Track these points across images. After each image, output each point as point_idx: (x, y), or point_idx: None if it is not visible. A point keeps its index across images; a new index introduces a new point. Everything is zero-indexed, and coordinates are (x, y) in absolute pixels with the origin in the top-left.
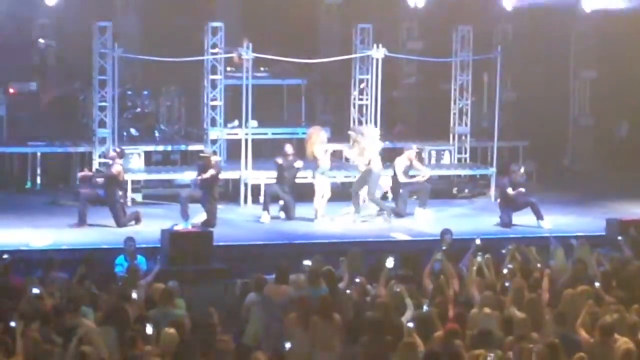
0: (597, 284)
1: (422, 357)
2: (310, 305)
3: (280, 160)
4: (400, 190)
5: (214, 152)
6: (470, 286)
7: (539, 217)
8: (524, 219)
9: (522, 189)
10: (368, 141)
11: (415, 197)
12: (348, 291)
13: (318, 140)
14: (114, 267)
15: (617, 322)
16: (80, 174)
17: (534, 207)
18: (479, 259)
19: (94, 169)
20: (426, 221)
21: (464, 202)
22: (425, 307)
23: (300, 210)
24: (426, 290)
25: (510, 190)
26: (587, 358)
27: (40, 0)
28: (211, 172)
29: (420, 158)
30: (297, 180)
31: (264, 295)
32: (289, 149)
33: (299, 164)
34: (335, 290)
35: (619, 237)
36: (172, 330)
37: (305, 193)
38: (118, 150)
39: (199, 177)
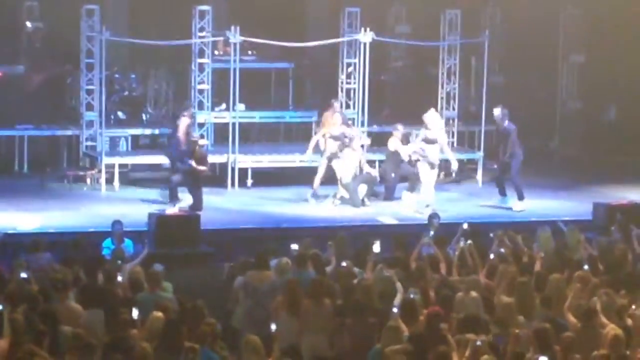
0: (585, 268)
1: (407, 339)
2: (298, 289)
3: None
4: (393, 175)
5: (202, 136)
6: (455, 270)
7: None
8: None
9: None
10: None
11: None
12: (335, 275)
13: (328, 123)
14: (101, 250)
15: (605, 306)
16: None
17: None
18: (462, 243)
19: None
20: (413, 205)
21: (451, 186)
22: (412, 294)
23: (286, 193)
24: (412, 274)
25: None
26: (574, 339)
27: None
28: (202, 168)
29: (407, 140)
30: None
31: (246, 280)
32: None
33: None
34: (322, 274)
35: (612, 228)
36: (159, 314)
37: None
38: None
39: (191, 164)
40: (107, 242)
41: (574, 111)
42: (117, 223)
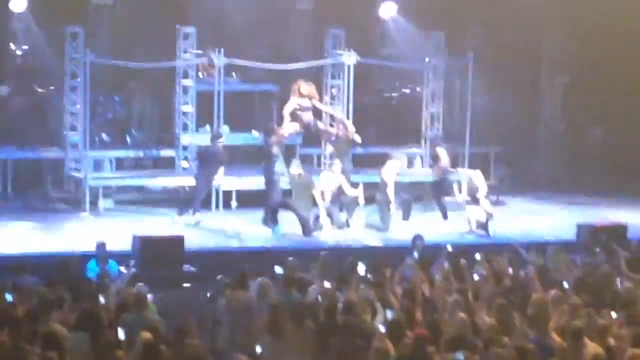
0: (566, 287)
1: None
2: (282, 312)
3: None
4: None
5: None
6: (440, 292)
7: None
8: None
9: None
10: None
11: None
12: (319, 297)
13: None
14: (84, 272)
15: (586, 326)
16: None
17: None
18: (446, 265)
19: None
20: (399, 227)
21: (436, 207)
22: (389, 313)
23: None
24: (395, 296)
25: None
26: None
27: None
28: None
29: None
30: None
31: (227, 301)
32: None
33: None
34: (305, 295)
35: (597, 249)
36: (147, 335)
37: None
38: None
39: None
40: (92, 264)
41: (558, 132)
42: (101, 245)
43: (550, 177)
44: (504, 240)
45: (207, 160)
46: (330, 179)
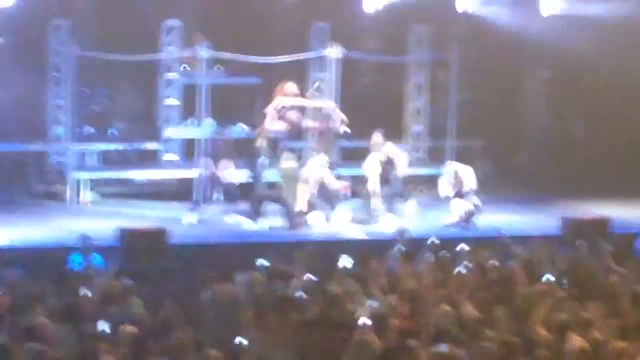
0: (551, 280)
1: (378, 354)
2: (266, 304)
3: None
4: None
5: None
6: (424, 284)
7: None
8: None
9: None
10: None
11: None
12: (303, 290)
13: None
14: (68, 265)
15: (571, 320)
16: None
17: None
18: (432, 257)
19: None
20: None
21: (420, 201)
22: (375, 304)
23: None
24: (381, 288)
25: None
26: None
27: None
28: None
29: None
30: None
31: (212, 294)
32: None
33: None
34: (289, 288)
35: (578, 242)
36: (130, 328)
37: None
38: None
39: None
40: (76, 257)
41: (542, 126)
42: (84, 237)
43: (534, 170)
44: (489, 233)
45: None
46: (315, 166)
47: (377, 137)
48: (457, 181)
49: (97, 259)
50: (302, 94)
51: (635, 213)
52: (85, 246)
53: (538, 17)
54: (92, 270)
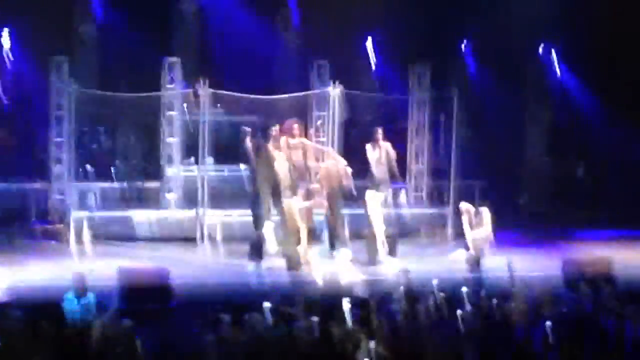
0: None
1: None
2: (267, 345)
3: None
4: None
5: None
6: (424, 326)
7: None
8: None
9: None
10: None
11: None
12: (304, 331)
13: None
14: (63, 305)
15: None
16: None
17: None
18: (431, 300)
19: None
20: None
21: (421, 242)
22: (374, 347)
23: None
24: (381, 331)
25: None
26: None
27: None
28: None
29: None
30: None
31: (220, 336)
32: None
33: None
34: (292, 330)
35: (580, 284)
36: None
37: None
38: None
39: None
40: (69, 296)
41: (542, 166)
42: (78, 276)
43: (534, 211)
44: (492, 273)
45: None
46: (297, 202)
47: (379, 132)
48: (478, 221)
49: (90, 298)
50: (306, 133)
51: (638, 255)
52: (79, 285)
53: None
54: (92, 311)
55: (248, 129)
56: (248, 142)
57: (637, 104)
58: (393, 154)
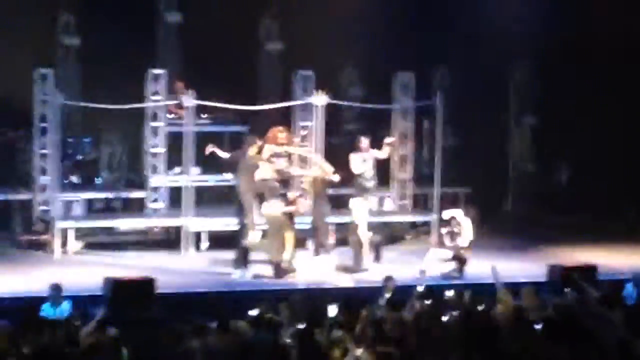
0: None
1: None
2: (253, 353)
3: None
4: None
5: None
6: (412, 332)
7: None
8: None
9: None
10: None
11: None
12: (289, 338)
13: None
14: (39, 315)
15: None
16: None
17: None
18: (417, 306)
19: None
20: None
21: (406, 248)
22: (360, 354)
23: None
24: (366, 337)
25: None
26: None
27: None
28: None
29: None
30: None
31: (206, 343)
32: None
33: None
34: (277, 336)
35: (565, 289)
36: None
37: None
38: None
39: None
40: (46, 306)
41: (527, 172)
42: (54, 286)
43: (519, 216)
44: (477, 280)
45: None
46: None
47: (363, 142)
48: (458, 229)
49: (65, 307)
50: (291, 140)
51: (621, 260)
52: (55, 295)
53: None
54: (74, 321)
55: (252, 137)
56: (245, 149)
57: (620, 111)
58: (380, 158)
